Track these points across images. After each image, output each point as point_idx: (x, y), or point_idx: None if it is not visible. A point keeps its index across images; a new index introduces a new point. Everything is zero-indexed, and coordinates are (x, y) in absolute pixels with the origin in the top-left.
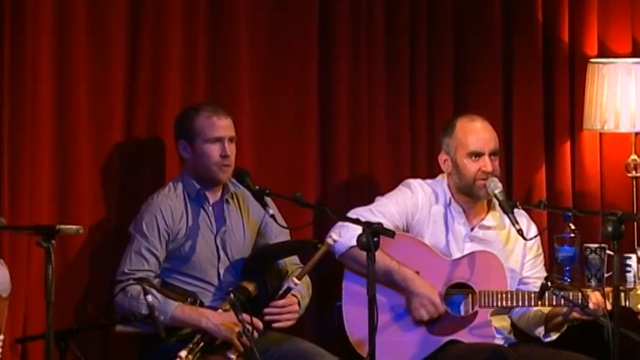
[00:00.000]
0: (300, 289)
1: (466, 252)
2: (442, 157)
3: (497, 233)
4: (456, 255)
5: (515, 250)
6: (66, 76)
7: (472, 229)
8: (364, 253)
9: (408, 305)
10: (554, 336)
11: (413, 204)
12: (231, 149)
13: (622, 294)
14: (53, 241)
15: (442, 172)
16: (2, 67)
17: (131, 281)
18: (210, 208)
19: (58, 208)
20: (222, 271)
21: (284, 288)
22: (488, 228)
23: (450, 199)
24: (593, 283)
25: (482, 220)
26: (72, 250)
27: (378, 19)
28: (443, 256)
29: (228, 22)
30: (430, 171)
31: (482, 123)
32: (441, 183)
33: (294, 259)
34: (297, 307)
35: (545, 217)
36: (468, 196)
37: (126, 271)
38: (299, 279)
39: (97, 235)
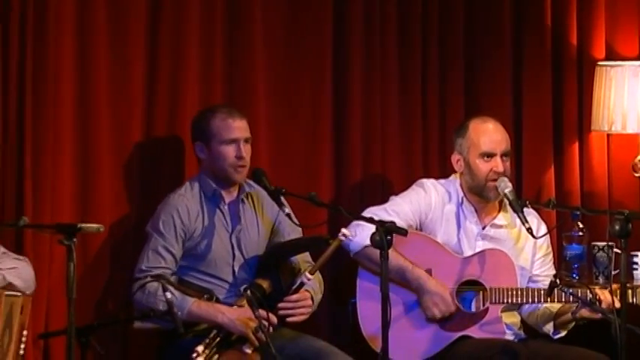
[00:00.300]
0: (312, 285)
1: (477, 250)
2: (455, 157)
3: (508, 232)
4: (468, 253)
5: (525, 249)
6: (87, 77)
7: (484, 228)
8: (378, 252)
9: (420, 304)
10: (562, 333)
11: (426, 203)
12: (246, 150)
13: (629, 291)
14: (75, 240)
15: (455, 172)
16: (25, 68)
17: (148, 278)
18: (226, 207)
19: (79, 207)
20: (237, 269)
21: (297, 283)
22: (500, 227)
23: (462, 198)
24: (600, 280)
25: (494, 219)
26: (93, 248)
27: (391, 21)
28: (455, 254)
29: (245, 23)
30: (442, 171)
31: (494, 124)
32: (454, 183)
33: (306, 256)
34: (310, 302)
35: (554, 216)
36: (479, 196)
37: (143, 268)
38: (311, 274)
39: (117, 233)
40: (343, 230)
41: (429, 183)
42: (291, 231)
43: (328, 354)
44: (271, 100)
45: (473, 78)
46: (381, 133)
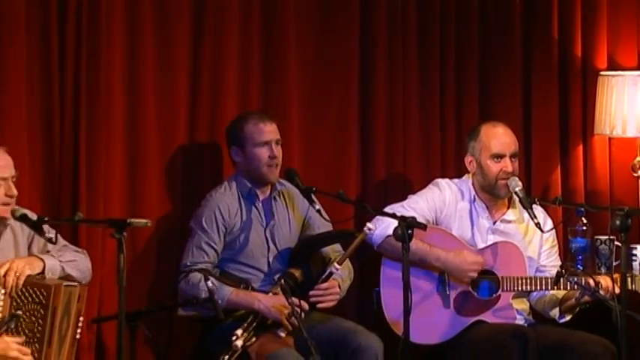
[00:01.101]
0: (340, 274)
1: (489, 243)
2: (468, 159)
3: (517, 226)
4: (481, 245)
5: (533, 241)
6: (135, 87)
7: (494, 223)
8: (399, 244)
9: (444, 286)
10: (567, 317)
11: (441, 200)
12: (277, 151)
13: (629, 280)
14: (125, 233)
15: (468, 172)
16: (80, 78)
17: (192, 271)
18: (260, 204)
19: (128, 203)
20: (271, 260)
21: (327, 273)
22: (509, 222)
23: (474, 196)
24: (602, 270)
25: (504, 214)
26: (141, 241)
27: (412, 37)
28: (469, 247)
29: (279, 37)
30: (457, 171)
31: (503, 129)
32: (467, 182)
33: (337, 246)
34: (338, 290)
35: (560, 212)
36: (490, 194)
37: (188, 263)
38: (339, 264)
39: (162, 227)
40: (368, 224)
41: (443, 182)
42: (321, 225)
43: (355, 332)
44: (303, 106)
45: (487, 87)
46: (402, 136)
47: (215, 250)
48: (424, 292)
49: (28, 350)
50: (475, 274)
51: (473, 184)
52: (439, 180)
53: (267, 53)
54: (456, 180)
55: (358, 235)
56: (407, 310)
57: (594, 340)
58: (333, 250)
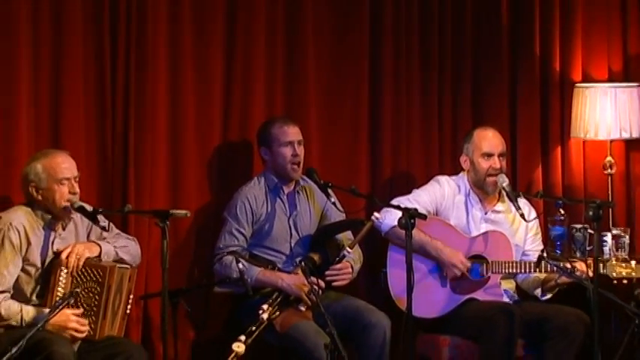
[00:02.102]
0: (352, 257)
1: (482, 231)
2: (463, 158)
3: (506, 216)
4: (474, 233)
5: (519, 230)
6: (177, 93)
7: (486, 213)
8: (403, 232)
9: (441, 269)
10: (548, 295)
11: (441, 194)
12: (299, 150)
13: (600, 264)
14: (167, 222)
15: (463, 170)
16: (129, 86)
17: (225, 254)
18: (285, 197)
19: (171, 196)
20: (293, 245)
21: (340, 255)
22: (498, 212)
23: (469, 190)
24: (578, 254)
25: (494, 206)
26: (182, 229)
27: (415, 56)
28: (464, 234)
29: (300, 53)
30: (454, 167)
31: (493, 132)
32: (462, 178)
33: (349, 234)
34: (350, 270)
35: (541, 204)
36: (482, 189)
37: (221, 246)
38: (351, 248)
39: (200, 217)
40: (375, 214)
41: (443, 179)
42: (336, 216)
43: (366, 310)
44: (320, 111)
45: (478, 96)
46: (406, 138)
47: (244, 236)
48: (424, 273)
49: (85, 321)
50: (459, 273)
51: (467, 180)
52: (439, 177)
53: (289, 67)
54: (453, 177)
55: (367, 223)
56: (410, 289)
57: (570, 311)
58: (346, 237)
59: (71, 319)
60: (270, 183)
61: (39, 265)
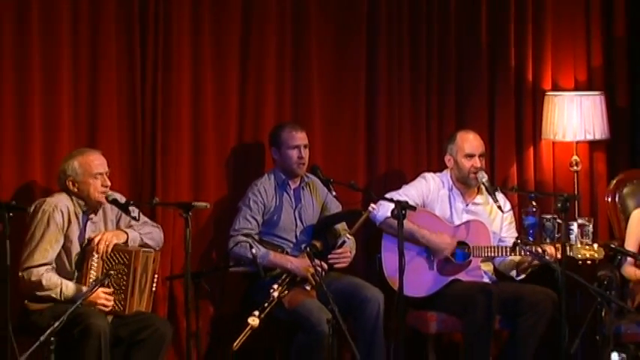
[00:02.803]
0: (350, 243)
1: (464, 220)
2: (447, 158)
3: (484, 208)
4: (457, 222)
5: (495, 219)
6: (199, 98)
7: (467, 205)
8: (396, 222)
9: (429, 254)
10: (522, 276)
11: (427, 189)
12: (305, 153)
13: (567, 247)
14: (190, 213)
15: (447, 167)
16: (157, 91)
17: (240, 236)
18: (291, 191)
19: (193, 190)
20: (298, 233)
21: (340, 241)
22: (478, 204)
23: (452, 185)
24: (547, 241)
25: (474, 199)
26: (202, 219)
27: (406, 69)
28: (448, 223)
29: (306, 64)
30: (440, 165)
31: (474, 135)
32: (446, 175)
33: (344, 224)
34: (349, 254)
35: (516, 197)
36: (464, 184)
37: (236, 228)
38: (351, 235)
39: (218, 209)
40: (372, 205)
41: (428, 175)
42: (336, 207)
43: (362, 286)
44: (323, 116)
45: (461, 103)
46: (398, 140)
47: (256, 222)
48: (414, 257)
49: (111, 298)
50: (448, 254)
51: (451, 176)
52: (425, 173)
53: (296, 77)
54: (438, 173)
55: (365, 213)
56: (401, 271)
57: (540, 290)
58: (343, 226)
59: (100, 296)
60: (279, 179)
61: (77, 245)
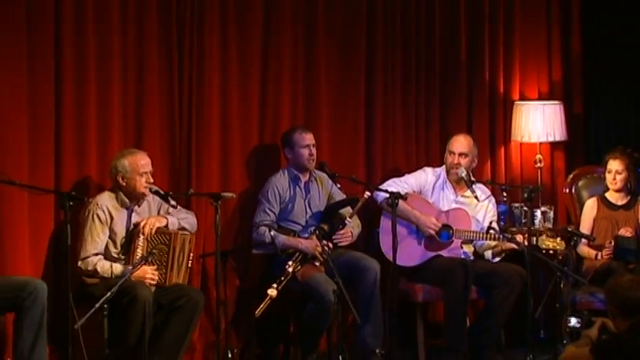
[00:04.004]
0: (351, 225)
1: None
2: (445, 155)
3: (471, 200)
4: (445, 209)
5: (480, 210)
6: (227, 104)
7: (457, 197)
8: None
9: (419, 231)
10: (497, 258)
11: (424, 180)
12: (313, 151)
13: (534, 237)
14: (219, 202)
15: (444, 164)
16: (192, 96)
17: (261, 227)
18: (302, 184)
19: (222, 182)
20: (308, 219)
21: (342, 224)
22: (466, 197)
23: (445, 179)
24: (516, 226)
25: (463, 193)
26: (229, 207)
27: (398, 82)
28: (437, 209)
29: (315, 77)
30: (426, 161)
31: (463, 137)
32: (442, 170)
33: (348, 209)
34: (350, 234)
35: (490, 189)
36: (452, 178)
37: (257, 220)
38: (350, 218)
39: (242, 198)
40: (367, 192)
41: (428, 169)
42: (340, 197)
43: (361, 257)
44: (330, 120)
45: (444, 109)
46: (392, 141)
47: (274, 213)
48: (406, 234)
49: (157, 274)
50: (433, 232)
51: (445, 171)
52: (426, 167)
53: (307, 90)
54: (437, 168)
55: (361, 199)
56: (394, 246)
57: (511, 267)
58: (347, 211)
59: (147, 272)
60: (292, 175)
61: (123, 234)
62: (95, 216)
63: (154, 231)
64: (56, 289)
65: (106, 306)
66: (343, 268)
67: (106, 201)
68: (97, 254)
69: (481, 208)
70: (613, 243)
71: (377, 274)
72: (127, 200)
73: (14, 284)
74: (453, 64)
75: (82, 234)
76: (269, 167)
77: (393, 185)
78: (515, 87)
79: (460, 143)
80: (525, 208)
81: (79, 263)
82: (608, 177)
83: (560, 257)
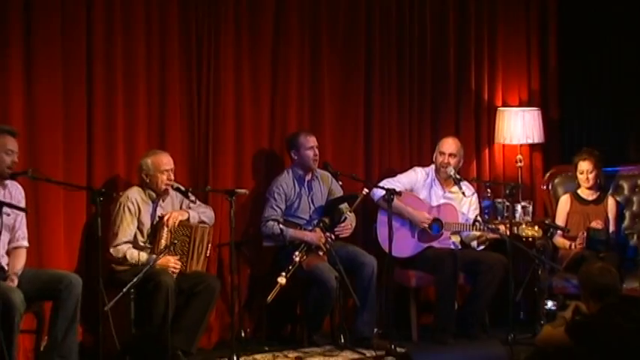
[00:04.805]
0: (351, 218)
1: (440, 203)
2: (434, 155)
3: (457, 195)
4: (435, 204)
5: (465, 204)
6: (240, 111)
7: (445, 193)
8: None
9: (412, 226)
10: (482, 247)
11: (415, 178)
12: (317, 151)
13: (515, 227)
14: (233, 198)
15: (433, 163)
16: (209, 99)
17: (269, 222)
18: (306, 183)
19: (235, 180)
20: (311, 213)
21: (343, 217)
22: (453, 193)
23: (434, 177)
24: (499, 219)
25: (451, 189)
26: (242, 202)
27: (394, 91)
28: (428, 204)
29: (319, 87)
30: (418, 161)
31: (452, 139)
32: (432, 169)
33: (346, 204)
34: (349, 227)
35: (476, 186)
36: (441, 176)
37: (265, 216)
38: (350, 212)
39: (254, 194)
40: (365, 189)
41: (418, 169)
42: (339, 193)
43: (360, 253)
44: (333, 124)
45: (435, 115)
46: (388, 143)
47: (280, 209)
48: (400, 228)
49: (179, 263)
50: (425, 226)
51: (434, 170)
52: (416, 167)
53: (312, 97)
54: (426, 168)
55: (360, 195)
56: (390, 238)
57: (495, 255)
58: (345, 206)
59: (170, 261)
60: (296, 174)
61: (149, 225)
62: (126, 208)
63: (176, 224)
64: (88, 276)
65: (132, 291)
66: (344, 260)
67: (135, 194)
68: (126, 242)
69: (466, 203)
70: (585, 234)
71: (374, 269)
72: (153, 194)
73: (52, 277)
74: (443, 74)
75: (114, 224)
76: (278, 167)
77: (388, 184)
78: (498, 95)
79: (449, 145)
80: (507, 203)
81: (111, 250)
82: (581, 177)
83: (538, 247)
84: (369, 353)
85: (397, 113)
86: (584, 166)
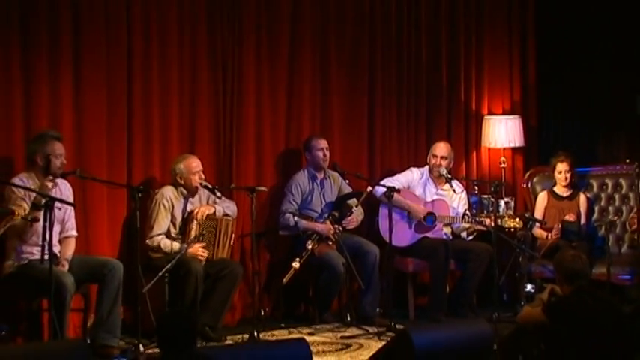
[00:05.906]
0: (357, 212)
1: (433, 199)
2: (428, 157)
3: (449, 192)
4: (429, 200)
5: (456, 200)
6: (261, 118)
7: (437, 190)
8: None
9: (410, 218)
10: (471, 237)
11: (411, 177)
12: (327, 153)
13: (499, 219)
14: (254, 194)
15: (427, 164)
16: (233, 113)
17: (286, 214)
18: (318, 181)
19: (256, 179)
20: (323, 208)
21: (350, 212)
22: (445, 191)
23: (428, 177)
24: (485, 213)
25: (442, 187)
26: (262, 198)
27: (394, 99)
28: (423, 200)
29: (329, 98)
30: (415, 163)
31: (444, 143)
32: (426, 169)
33: (354, 200)
34: (355, 220)
35: (465, 184)
36: (434, 176)
37: (283, 209)
38: (356, 207)
39: (272, 191)
40: (369, 187)
41: (414, 169)
42: (347, 190)
43: (365, 243)
44: (341, 129)
45: (429, 123)
46: (389, 146)
47: (296, 203)
48: (399, 220)
49: (206, 251)
50: (421, 217)
51: (429, 170)
52: (412, 168)
53: (323, 105)
54: (421, 168)
55: (365, 193)
56: (390, 229)
57: (482, 245)
58: (353, 201)
59: (199, 250)
60: (310, 174)
61: (180, 219)
62: (161, 204)
63: (204, 217)
64: (128, 262)
65: (166, 275)
66: (350, 249)
67: (168, 192)
68: (161, 234)
69: (456, 199)
70: (560, 226)
71: (376, 256)
72: (185, 192)
73: (98, 262)
74: (436, 87)
75: (150, 218)
76: (293, 167)
77: (388, 183)
78: (485, 105)
79: (441, 149)
80: (492, 199)
81: (147, 241)
82: (559, 177)
83: (519, 237)
84: (371, 329)
85: (396, 120)
86: (562, 167)
